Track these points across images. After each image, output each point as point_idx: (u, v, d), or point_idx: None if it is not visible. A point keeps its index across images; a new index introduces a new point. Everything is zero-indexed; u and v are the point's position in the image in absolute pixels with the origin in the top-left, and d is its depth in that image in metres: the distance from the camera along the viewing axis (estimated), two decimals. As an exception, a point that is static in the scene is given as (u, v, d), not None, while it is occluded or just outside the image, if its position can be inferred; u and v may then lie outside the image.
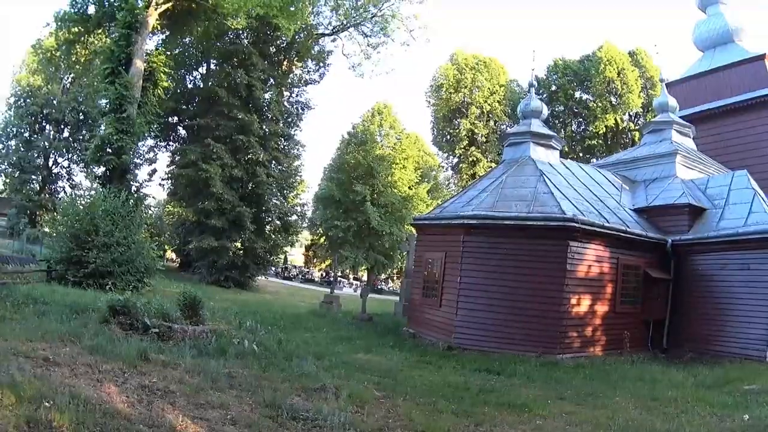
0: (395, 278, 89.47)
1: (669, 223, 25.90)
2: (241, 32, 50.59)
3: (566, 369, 18.72)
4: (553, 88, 79.96)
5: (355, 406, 10.78)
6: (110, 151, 34.86)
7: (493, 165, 50.33)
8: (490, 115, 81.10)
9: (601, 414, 12.40)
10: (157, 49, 43.20)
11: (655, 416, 12.48)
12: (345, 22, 52.36)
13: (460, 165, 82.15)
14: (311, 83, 60.33)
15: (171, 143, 58.93)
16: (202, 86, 55.23)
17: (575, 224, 20.97)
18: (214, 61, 54.61)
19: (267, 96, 51.66)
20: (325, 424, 9.13)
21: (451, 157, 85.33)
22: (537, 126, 27.72)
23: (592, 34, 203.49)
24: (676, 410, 13.17)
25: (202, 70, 57.58)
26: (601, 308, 22.32)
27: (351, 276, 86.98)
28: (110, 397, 8.43)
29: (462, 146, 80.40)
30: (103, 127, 38.09)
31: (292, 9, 38.77)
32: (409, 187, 74.22)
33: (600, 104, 75.35)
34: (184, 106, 55.05)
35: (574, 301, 21.20)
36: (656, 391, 15.64)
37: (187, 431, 7.84)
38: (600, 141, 78.20)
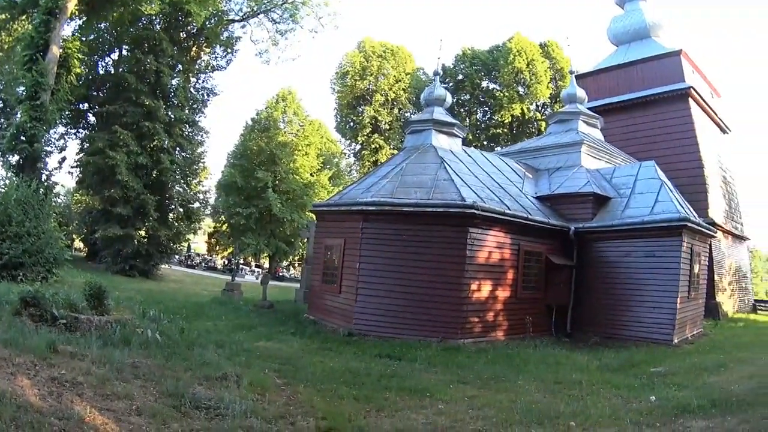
0: (296, 265, 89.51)
1: (573, 211, 26.73)
2: (154, 18, 49.84)
3: (468, 354, 18.91)
4: (460, 77, 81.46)
5: (257, 393, 10.78)
6: (24, 139, 34.28)
7: (396, 152, 51.08)
8: (395, 103, 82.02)
9: (504, 397, 12.55)
10: (73, 35, 42.61)
11: (559, 399, 12.74)
12: (255, 9, 52.17)
13: (363, 152, 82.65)
14: (218, 69, 59.87)
15: (81, 130, 57.79)
16: (113, 72, 54.36)
17: (475, 211, 21.21)
18: (126, 47, 53.81)
19: (174, 82, 51.19)
20: (227, 412, 9.22)
21: (354, 144, 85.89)
22: (440, 114, 27.98)
23: (506, 25, 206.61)
24: (581, 393, 13.49)
25: (115, 56, 56.62)
26: (503, 294, 22.79)
27: (253, 263, 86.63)
28: (23, 390, 8.34)
29: (365, 133, 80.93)
30: (19, 115, 37.47)
31: None
32: (311, 174, 74.40)
33: (507, 94, 77.04)
34: (94, 93, 53.99)
35: (474, 286, 21.54)
36: (560, 374, 16.00)
37: (95, 423, 7.79)
38: (505, 130, 79.93)
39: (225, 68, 59.30)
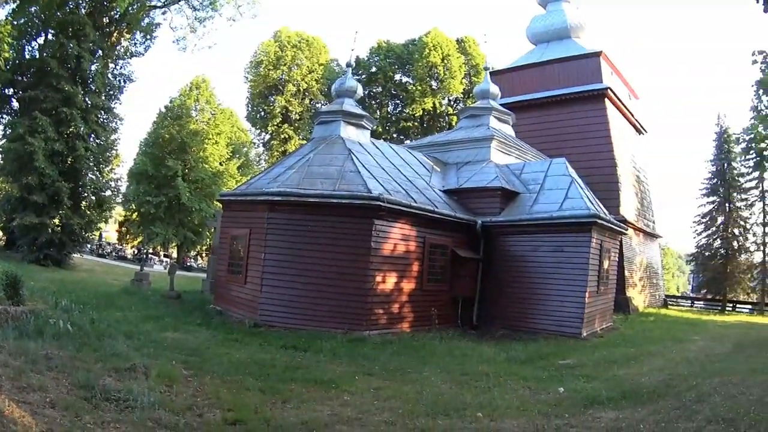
0: (204, 255, 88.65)
1: (481, 205, 26.84)
2: (80, 2, 48.76)
3: (374, 345, 18.80)
4: (374, 69, 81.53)
5: (165, 385, 10.67)
6: (-48, 125, 33.32)
7: (305, 142, 50.94)
8: (306, 93, 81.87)
9: (410, 389, 12.53)
10: (6, 19, 41.44)
11: (466, 390, 12.75)
12: None
13: (272, 142, 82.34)
14: (136, 56, 58.83)
15: (5, 116, 56.34)
16: (37, 57, 53.11)
17: (381, 203, 21.06)
18: (52, 32, 52.61)
19: (93, 68, 50.20)
20: (136, 404, 9.14)
21: (264, 133, 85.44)
22: (349, 105, 27.80)
23: (427, 19, 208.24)
24: (488, 384, 13.51)
25: (41, 40, 55.37)
26: (408, 286, 22.73)
27: (162, 253, 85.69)
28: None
29: (275, 123, 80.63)
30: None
31: None
32: (220, 163, 74.06)
33: (420, 88, 77.58)
34: (20, 78, 52.67)
35: (379, 278, 21.45)
36: (467, 366, 16.00)
37: (13, 416, 7.64)
38: (416, 123, 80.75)
39: (143, 54, 58.31)
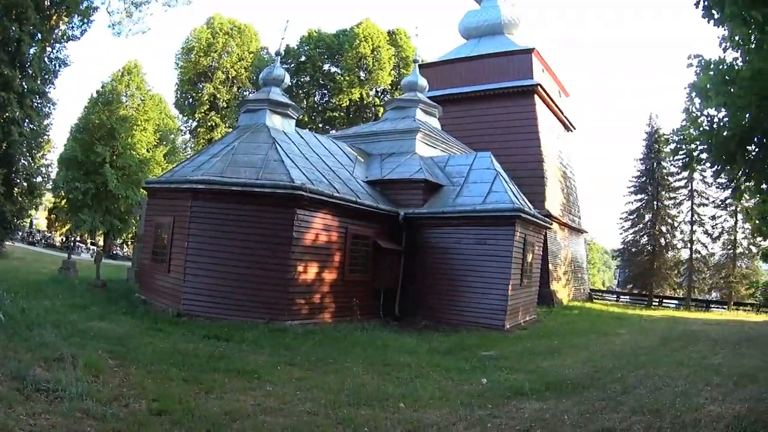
0: (130, 243, 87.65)
1: (404, 196, 27.12)
2: None
3: (295, 335, 18.84)
4: (303, 58, 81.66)
5: (92, 375, 10.58)
6: None
7: (231, 131, 50.79)
8: (235, 81, 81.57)
9: (333, 379, 12.62)
10: None
11: (388, 381, 12.89)
12: None
13: (199, 129, 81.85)
14: (72, 39, 57.88)
15: None
16: None
17: (303, 193, 21.15)
18: None
19: (32, 51, 49.31)
20: (65, 395, 9.10)
21: (191, 121, 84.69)
22: (276, 94, 27.68)
23: (360, 10, 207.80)
24: (411, 375, 13.69)
25: None
26: (330, 276, 22.88)
27: (89, 241, 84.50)
28: None
29: (202, 110, 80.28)
30: None
31: None
32: (148, 150, 73.02)
33: (348, 78, 78.08)
34: None
35: (301, 268, 21.52)
36: (389, 357, 16.17)
37: None
38: (342, 114, 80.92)
39: (79, 38, 57.04)
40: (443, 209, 26.05)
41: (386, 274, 25.63)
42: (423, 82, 37.26)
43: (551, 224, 34.44)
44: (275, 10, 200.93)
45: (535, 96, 44.37)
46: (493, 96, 45.28)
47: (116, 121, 69.02)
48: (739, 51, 14.17)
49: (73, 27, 56.06)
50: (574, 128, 54.52)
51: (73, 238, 56.21)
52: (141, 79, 77.03)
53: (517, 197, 26.76)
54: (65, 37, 55.73)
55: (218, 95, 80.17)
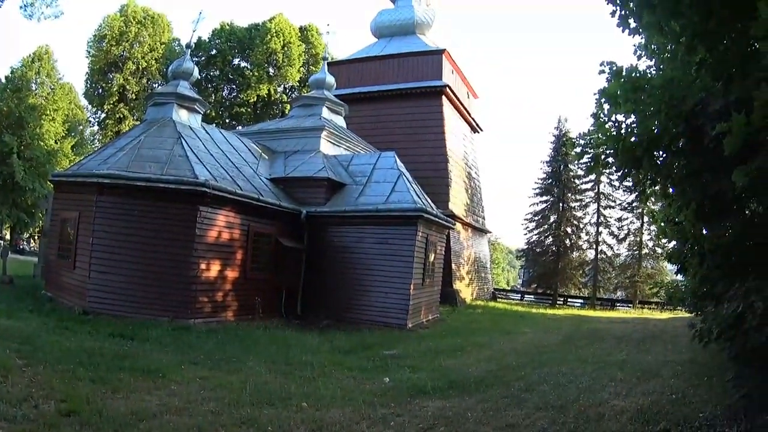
0: (37, 238, 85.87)
1: (307, 195, 27.40)
2: None
3: (199, 334, 18.93)
4: (214, 51, 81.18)
5: (0, 375, 10.48)
6: None
7: (139, 123, 50.21)
8: (145, 72, 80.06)
9: (235, 378, 12.75)
10: None
11: (290, 380, 13.07)
12: None
13: (107, 121, 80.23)
14: None
15: None
16: None
17: (206, 189, 21.23)
18: None
19: None
20: None
21: (100, 112, 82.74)
22: (183, 88, 27.65)
23: (276, 4, 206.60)
24: (313, 374, 13.88)
25: None
26: (233, 274, 23.00)
27: None
28: None
29: (112, 102, 78.58)
30: None
31: None
32: (56, 141, 70.88)
33: (257, 73, 78.01)
34: None
35: (204, 266, 21.60)
36: (291, 356, 16.35)
37: None
38: (249, 110, 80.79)
39: None
40: (345, 208, 26.45)
41: (288, 272, 25.85)
42: (331, 80, 37.68)
43: (454, 224, 35.17)
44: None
45: (443, 97, 45.07)
46: (401, 96, 45.87)
47: (25, 109, 66.97)
48: (654, 60, 14.93)
49: None
50: (482, 130, 55.58)
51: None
52: (51, 66, 74.75)
53: (419, 197, 27.37)
54: None
55: (128, 86, 78.55)
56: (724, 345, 10.97)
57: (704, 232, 16.54)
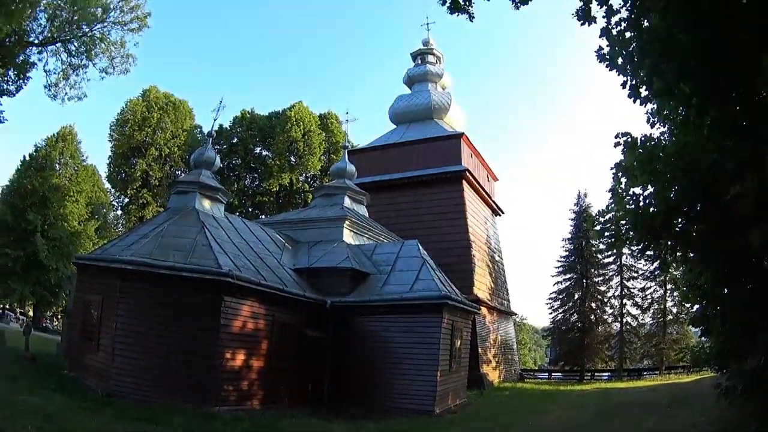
0: (60, 317, 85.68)
1: (331, 284, 27.14)
2: None
3: (224, 422, 18.57)
4: (235, 140, 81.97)
5: None
6: None
7: (163, 210, 50.39)
8: (168, 159, 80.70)
9: None
10: None
11: None
12: (56, 35, 50.10)
13: (130, 206, 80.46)
14: (7, 95, 56.67)
15: None
16: None
17: (231, 279, 21.13)
18: None
19: None
20: None
21: (123, 197, 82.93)
22: (206, 177, 27.97)
23: (295, 90, 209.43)
24: None
25: None
26: (257, 363, 22.67)
27: (18, 310, 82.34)
28: None
29: (135, 187, 78.95)
30: None
31: (12, 7, 36.56)
32: (79, 223, 71.22)
33: (278, 163, 78.52)
34: None
35: (228, 355, 21.34)
36: None
37: None
38: (272, 198, 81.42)
39: (14, 95, 56.18)
40: (370, 297, 26.29)
41: (314, 361, 25.53)
42: (351, 168, 38.02)
43: (479, 309, 34.77)
44: (210, 87, 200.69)
45: (463, 182, 45.10)
46: (422, 182, 45.95)
47: (49, 189, 67.53)
48: (666, 125, 14.90)
49: (8, 81, 55.13)
50: (503, 212, 55.55)
51: (1, 306, 54.89)
52: (75, 147, 75.38)
53: (444, 284, 27.09)
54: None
55: (151, 172, 79.08)
56: (748, 401, 10.79)
57: (725, 291, 16.48)
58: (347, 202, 35.15)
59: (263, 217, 59.31)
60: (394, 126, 53.76)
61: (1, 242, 65.53)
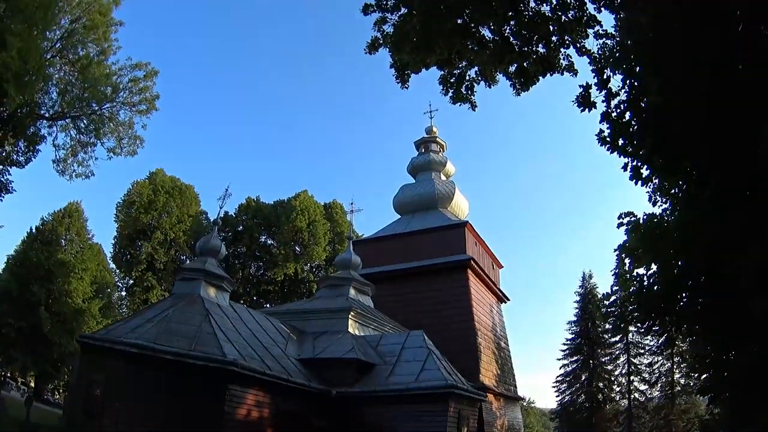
0: (62, 390, 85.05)
1: (336, 375, 26.97)
2: None
3: None
4: (241, 228, 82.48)
5: None
6: None
7: (167, 295, 50.33)
8: (173, 244, 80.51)
9: None
10: None
11: None
12: (67, 111, 50.57)
13: (135, 288, 79.80)
14: (17, 165, 57.00)
15: None
16: None
17: (235, 368, 20.98)
18: None
19: None
20: None
21: (128, 278, 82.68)
22: (212, 266, 28.09)
23: (300, 179, 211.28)
24: None
25: None
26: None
27: (19, 380, 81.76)
28: None
29: (140, 269, 78.40)
30: None
31: (26, 79, 36.98)
32: (83, 300, 70.63)
33: (283, 252, 78.36)
34: None
35: (232, 443, 21.04)
36: None
37: None
38: (277, 288, 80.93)
39: (23, 166, 56.49)
40: (376, 388, 26.14)
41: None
42: (357, 260, 38.13)
43: (486, 396, 34.62)
44: (215, 173, 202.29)
45: (468, 270, 45.04)
46: (427, 272, 45.83)
47: (54, 263, 67.40)
48: (668, 201, 15.04)
49: (18, 152, 55.38)
50: (508, 299, 55.24)
51: (2, 374, 54.60)
52: (81, 225, 75.46)
53: (450, 374, 27.01)
54: (9, 161, 55.05)
55: (156, 256, 78.81)
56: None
57: (731, 357, 16.46)
58: (352, 293, 35.19)
59: (268, 306, 59.39)
60: (399, 215, 54.14)
61: (4, 311, 65.47)
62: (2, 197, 53.99)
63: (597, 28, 12.53)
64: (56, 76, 46.06)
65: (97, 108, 47.77)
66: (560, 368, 63.89)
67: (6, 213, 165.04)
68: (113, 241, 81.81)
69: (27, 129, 49.56)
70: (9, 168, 53.96)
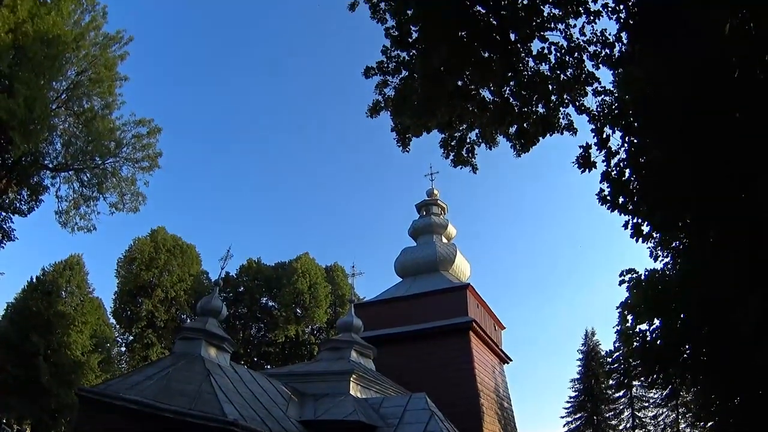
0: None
1: (338, 437, 26.90)
2: None
3: None
4: (242, 289, 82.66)
5: None
6: None
7: (167, 352, 50.03)
8: (174, 302, 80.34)
9: None
10: None
11: None
12: (70, 163, 50.77)
13: (135, 344, 79.51)
14: (19, 213, 56.86)
15: None
16: None
17: (236, 428, 20.78)
18: None
19: None
20: None
21: (128, 334, 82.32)
22: (212, 326, 28.11)
23: (301, 241, 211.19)
24: None
25: None
26: None
27: (15, 427, 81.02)
28: None
29: (140, 326, 78.20)
30: None
31: (31, 127, 37.18)
32: (82, 353, 70.52)
33: (284, 314, 78.54)
34: None
35: None
36: None
37: None
38: (278, 349, 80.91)
39: (26, 215, 56.46)
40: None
41: None
42: (358, 323, 38.04)
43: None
44: (217, 233, 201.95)
45: (470, 333, 45.13)
46: (429, 335, 45.85)
47: (54, 314, 67.26)
48: (669, 254, 15.13)
49: (21, 200, 55.34)
50: (510, 360, 55.26)
51: (1, 422, 54.22)
52: (82, 278, 75.84)
53: (452, 437, 26.63)
54: (12, 209, 54.99)
55: (156, 313, 78.65)
56: None
57: (736, 402, 16.44)
58: (354, 356, 35.11)
59: (269, 367, 59.24)
60: (400, 278, 54.31)
61: (1, 359, 65.25)
62: (4, 245, 54.04)
63: (595, 85, 12.74)
64: (61, 127, 46.25)
65: (100, 162, 47.81)
66: (564, 426, 63.64)
67: (7, 260, 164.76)
68: (114, 297, 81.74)
69: (31, 178, 49.72)
70: (12, 215, 54.23)
